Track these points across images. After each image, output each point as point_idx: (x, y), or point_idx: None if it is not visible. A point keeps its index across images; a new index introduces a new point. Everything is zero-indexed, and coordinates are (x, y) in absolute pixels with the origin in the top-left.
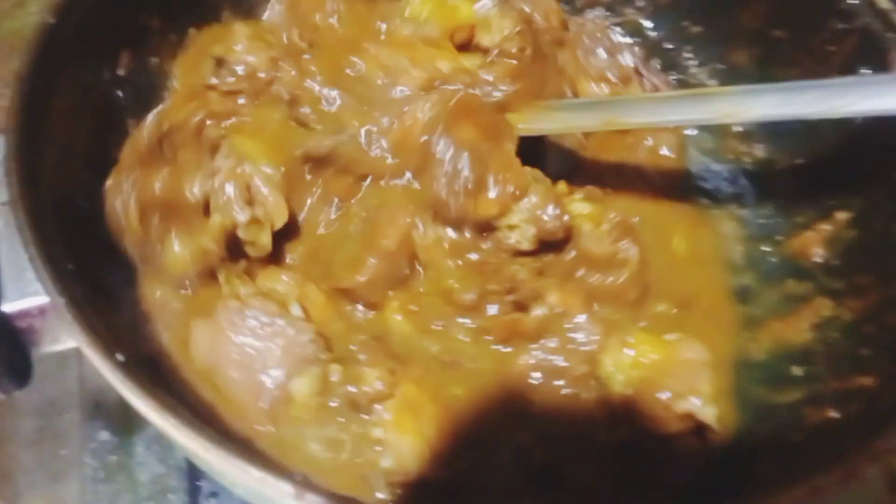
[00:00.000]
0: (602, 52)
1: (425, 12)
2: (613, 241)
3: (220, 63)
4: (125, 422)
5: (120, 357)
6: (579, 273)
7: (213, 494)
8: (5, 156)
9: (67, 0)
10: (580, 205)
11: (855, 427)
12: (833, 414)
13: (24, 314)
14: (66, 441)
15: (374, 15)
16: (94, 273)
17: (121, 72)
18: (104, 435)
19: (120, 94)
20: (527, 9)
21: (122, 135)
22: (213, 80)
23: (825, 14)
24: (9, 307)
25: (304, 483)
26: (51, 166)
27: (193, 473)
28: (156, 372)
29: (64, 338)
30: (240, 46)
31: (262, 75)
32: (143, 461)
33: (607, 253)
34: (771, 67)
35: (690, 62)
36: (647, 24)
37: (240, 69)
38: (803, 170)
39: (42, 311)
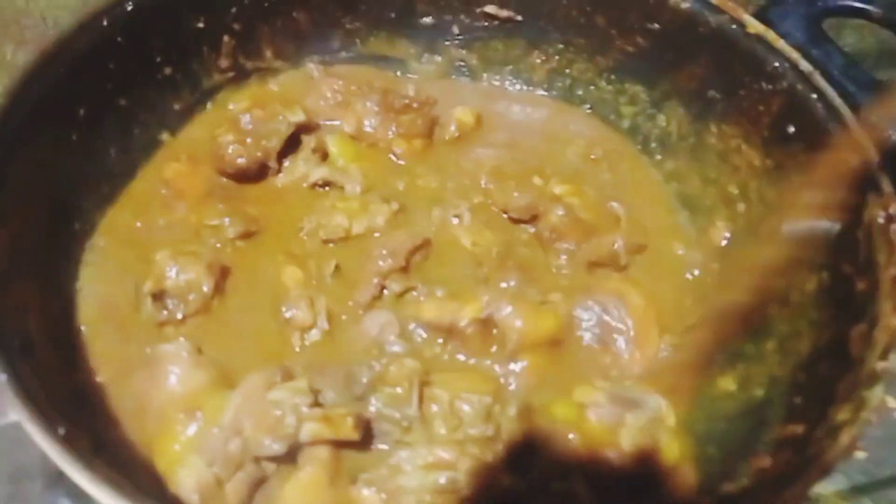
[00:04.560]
0: None
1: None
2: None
3: (156, 297)
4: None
5: (61, 430)
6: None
7: None
8: None
9: (21, 83)
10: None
11: (784, 474)
12: (766, 462)
13: None
14: None
15: None
16: (44, 351)
17: (74, 143)
18: (65, 502)
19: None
20: None
21: (72, 214)
22: (163, 314)
23: (754, 76)
24: None
25: None
26: (3, 246)
27: None
28: (98, 443)
29: (7, 410)
30: (172, 272)
31: (205, 289)
32: None
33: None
34: (708, 124)
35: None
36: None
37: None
38: None
39: None
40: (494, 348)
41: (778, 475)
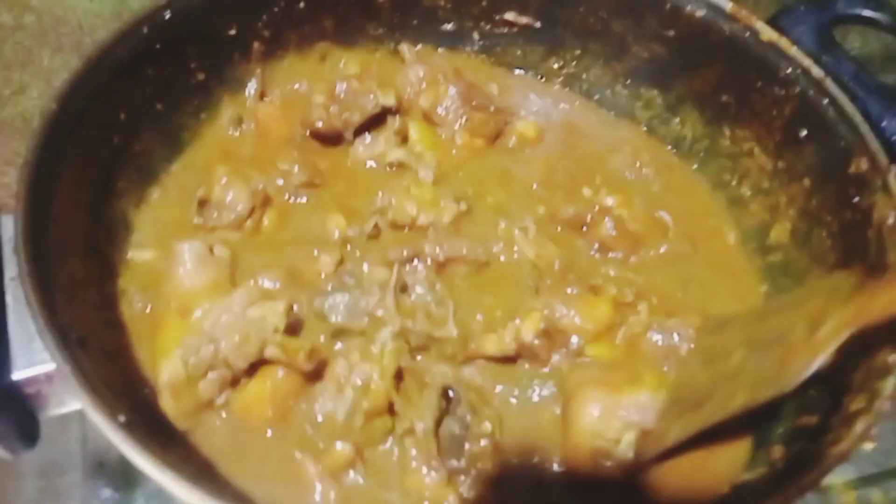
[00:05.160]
0: None
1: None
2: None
3: (202, 203)
4: (126, 478)
5: (122, 418)
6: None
7: None
8: (14, 236)
9: (69, 88)
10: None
11: (799, 463)
12: (779, 452)
13: (33, 381)
14: (68, 501)
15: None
16: (97, 340)
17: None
18: (106, 492)
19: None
20: None
21: (116, 210)
22: (198, 220)
23: (767, 82)
24: (18, 375)
25: None
26: (54, 243)
27: None
28: (155, 430)
29: (69, 401)
30: (222, 184)
31: (240, 208)
32: None
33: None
34: (722, 127)
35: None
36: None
37: (226, 207)
38: None
39: (49, 377)
40: (562, 352)
41: (793, 464)
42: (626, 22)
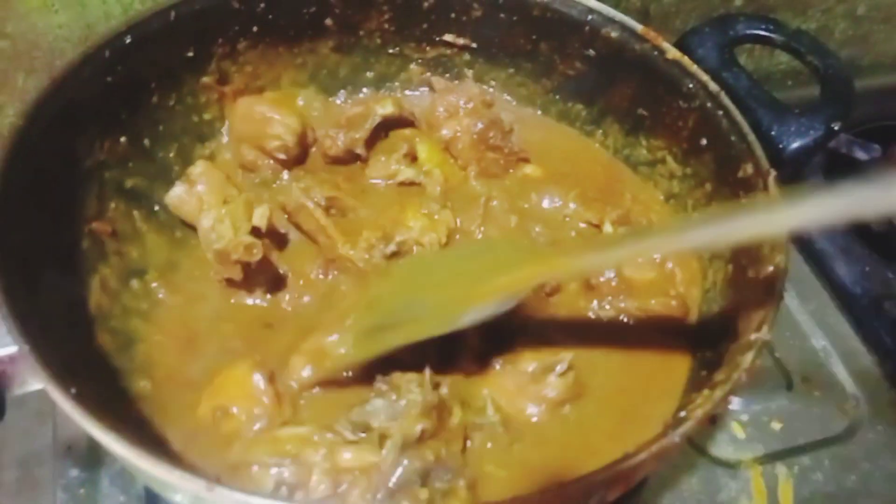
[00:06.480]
0: None
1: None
2: None
3: None
4: (92, 459)
5: (73, 390)
6: None
7: None
8: None
9: (34, 106)
10: None
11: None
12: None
13: None
14: (43, 488)
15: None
16: (56, 325)
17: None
18: (74, 472)
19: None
20: None
21: (80, 220)
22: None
23: (672, 96)
24: None
25: (215, 479)
26: (20, 245)
27: (151, 502)
28: (107, 402)
29: (30, 380)
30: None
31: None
32: (107, 493)
33: None
34: (639, 138)
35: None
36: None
37: None
38: None
39: (13, 358)
40: None
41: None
42: (552, 43)
